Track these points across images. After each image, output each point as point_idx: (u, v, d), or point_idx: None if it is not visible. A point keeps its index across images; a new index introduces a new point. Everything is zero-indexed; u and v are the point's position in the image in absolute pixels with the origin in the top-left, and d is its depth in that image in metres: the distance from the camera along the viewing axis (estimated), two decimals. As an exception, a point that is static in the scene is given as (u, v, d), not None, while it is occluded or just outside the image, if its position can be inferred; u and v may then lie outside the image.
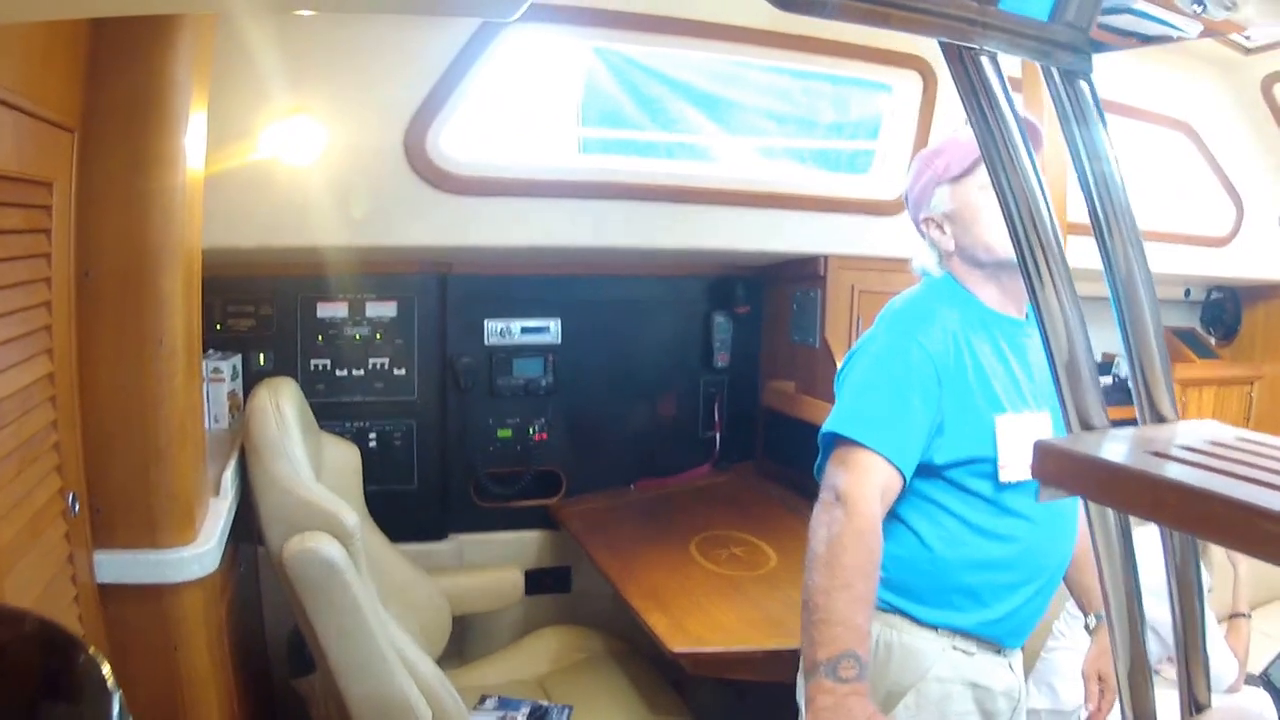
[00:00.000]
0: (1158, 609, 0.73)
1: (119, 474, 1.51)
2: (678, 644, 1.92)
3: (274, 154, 2.11)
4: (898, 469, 1.40)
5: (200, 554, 1.54)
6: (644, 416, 2.97)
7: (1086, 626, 1.74)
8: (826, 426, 1.45)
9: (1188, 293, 3.72)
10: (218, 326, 2.50)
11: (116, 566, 1.50)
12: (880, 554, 1.36)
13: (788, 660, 1.60)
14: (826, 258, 2.72)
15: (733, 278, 3.01)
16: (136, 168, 1.47)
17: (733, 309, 3.01)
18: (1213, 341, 3.72)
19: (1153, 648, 2.10)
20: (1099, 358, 3.62)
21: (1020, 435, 1.46)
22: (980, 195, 1.50)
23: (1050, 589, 1.57)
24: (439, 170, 2.30)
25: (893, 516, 1.48)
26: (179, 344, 1.52)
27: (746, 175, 2.76)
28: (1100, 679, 1.69)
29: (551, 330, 2.82)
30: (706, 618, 2.04)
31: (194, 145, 1.56)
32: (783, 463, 2.97)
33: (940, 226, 1.56)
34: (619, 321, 2.91)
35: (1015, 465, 1.45)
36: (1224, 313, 3.70)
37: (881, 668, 1.49)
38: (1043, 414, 1.50)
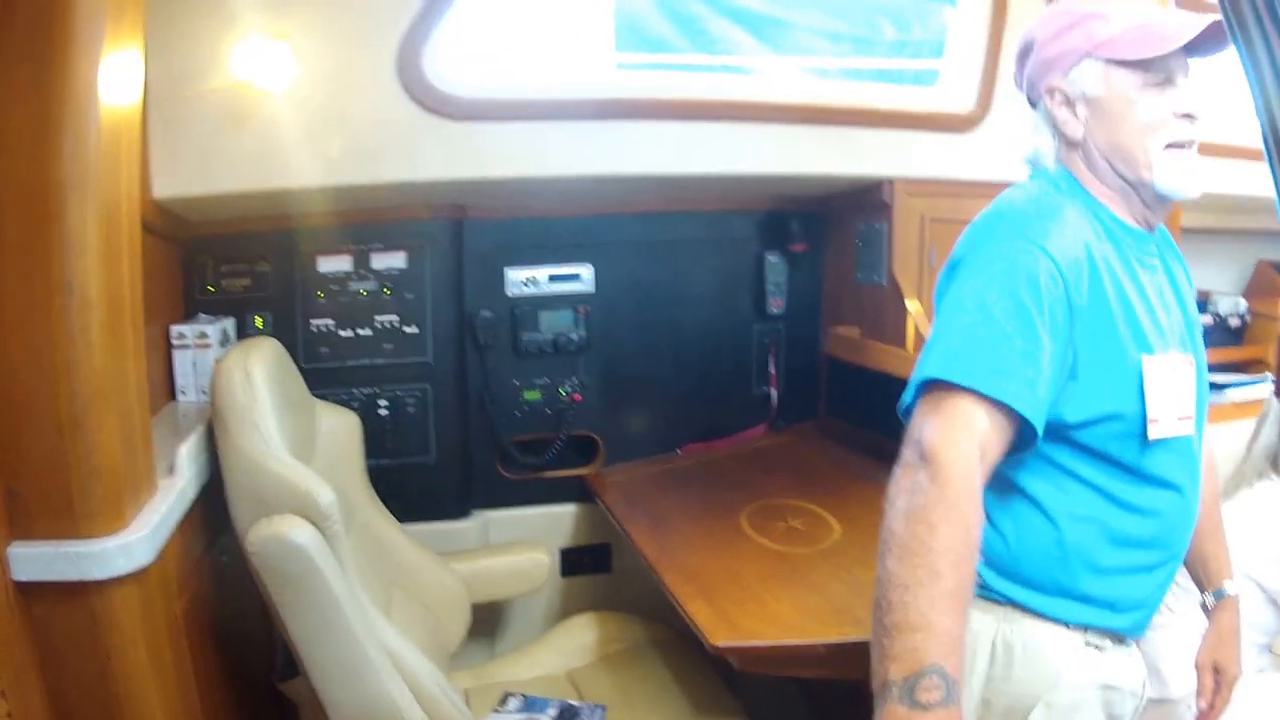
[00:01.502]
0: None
1: (35, 451, 1.26)
2: (721, 637, 1.61)
3: (247, 86, 1.86)
4: (1017, 417, 1.04)
5: (128, 544, 1.28)
6: (690, 373, 2.63)
7: (1204, 605, 1.40)
8: (918, 371, 1.09)
9: None
10: (210, 288, 2.26)
11: (36, 561, 1.25)
12: (979, 532, 1.01)
13: (854, 654, 1.27)
14: (892, 182, 2.34)
15: (786, 212, 2.64)
16: (40, 89, 1.21)
17: (787, 247, 2.64)
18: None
19: (1269, 620, 1.69)
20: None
21: (1169, 382, 1.12)
22: (1143, 95, 1.13)
23: (1177, 566, 1.25)
24: (440, 94, 2.01)
25: (1010, 486, 1.15)
26: (94, 294, 1.25)
27: (799, 89, 2.40)
28: (1216, 671, 1.37)
29: (583, 278, 2.50)
30: (758, 604, 1.72)
31: (117, 72, 1.30)
32: (849, 420, 2.61)
33: (1072, 106, 1.18)
34: (660, 266, 2.57)
35: (1165, 420, 1.12)
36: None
37: (1002, 674, 1.17)
38: (1187, 356, 1.16)
